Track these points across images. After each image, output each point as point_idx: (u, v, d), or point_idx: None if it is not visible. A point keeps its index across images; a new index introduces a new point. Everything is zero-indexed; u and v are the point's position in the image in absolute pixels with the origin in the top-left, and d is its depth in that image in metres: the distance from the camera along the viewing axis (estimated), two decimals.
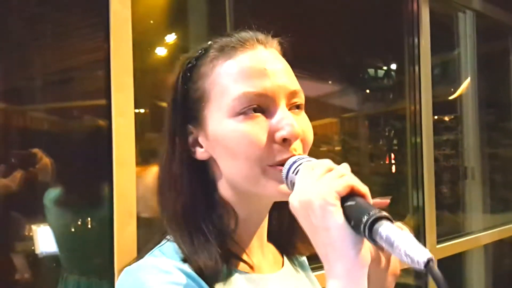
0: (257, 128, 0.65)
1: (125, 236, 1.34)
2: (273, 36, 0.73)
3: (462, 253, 2.65)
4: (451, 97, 2.99)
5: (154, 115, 1.65)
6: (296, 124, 0.65)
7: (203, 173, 0.70)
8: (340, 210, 0.52)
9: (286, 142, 0.65)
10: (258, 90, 0.65)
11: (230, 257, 0.67)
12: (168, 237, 0.69)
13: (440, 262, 2.19)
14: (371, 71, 2.67)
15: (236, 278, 0.67)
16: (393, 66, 2.73)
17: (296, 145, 0.66)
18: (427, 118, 2.28)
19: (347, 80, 2.47)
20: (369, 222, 0.50)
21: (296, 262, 0.82)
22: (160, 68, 1.80)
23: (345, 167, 0.57)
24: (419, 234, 2.15)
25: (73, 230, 1.46)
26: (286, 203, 0.62)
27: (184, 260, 0.64)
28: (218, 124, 0.67)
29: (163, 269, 0.61)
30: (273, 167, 0.65)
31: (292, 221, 0.74)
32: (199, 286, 0.61)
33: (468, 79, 2.94)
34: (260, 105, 0.66)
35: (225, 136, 0.66)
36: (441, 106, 2.70)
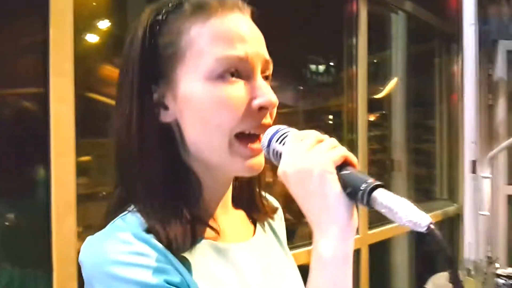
0: (234, 93, 0.63)
1: (64, 227, 1.30)
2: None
3: (389, 238, 2.81)
4: (379, 96, 3.13)
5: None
6: (272, 93, 0.65)
7: (166, 137, 0.66)
8: (336, 178, 0.56)
9: (261, 111, 0.65)
10: (240, 54, 0.63)
11: (196, 225, 0.64)
12: (130, 208, 0.65)
13: (372, 246, 2.32)
14: (310, 68, 2.73)
15: (202, 246, 0.66)
16: (332, 64, 2.81)
17: (268, 115, 0.66)
18: (362, 116, 2.37)
19: (286, 76, 2.51)
20: (367, 189, 0.54)
21: (270, 229, 0.82)
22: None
23: (332, 139, 0.60)
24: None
25: (6, 222, 1.39)
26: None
27: (148, 231, 0.61)
28: (192, 86, 0.63)
29: (125, 240, 0.59)
30: (241, 140, 0.64)
31: (250, 191, 0.78)
32: (164, 256, 0.59)
33: (395, 79, 3.09)
34: (238, 70, 0.64)
35: (199, 99, 0.63)
36: (370, 103, 2.82)
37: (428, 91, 3.54)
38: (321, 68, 2.76)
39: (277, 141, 0.63)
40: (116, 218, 0.65)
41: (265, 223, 0.81)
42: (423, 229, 0.51)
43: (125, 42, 0.68)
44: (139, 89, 0.65)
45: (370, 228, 2.38)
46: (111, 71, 1.61)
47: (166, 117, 0.66)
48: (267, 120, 0.66)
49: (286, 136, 0.63)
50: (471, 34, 3.05)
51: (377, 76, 3.15)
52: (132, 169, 0.65)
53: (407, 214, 0.51)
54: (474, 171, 3.04)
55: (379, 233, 2.45)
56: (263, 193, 0.81)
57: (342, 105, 2.49)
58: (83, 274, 0.61)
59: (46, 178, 1.30)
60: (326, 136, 0.61)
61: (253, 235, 0.76)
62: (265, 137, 0.64)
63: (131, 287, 0.56)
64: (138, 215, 0.63)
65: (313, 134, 0.61)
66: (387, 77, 3.10)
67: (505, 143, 3.10)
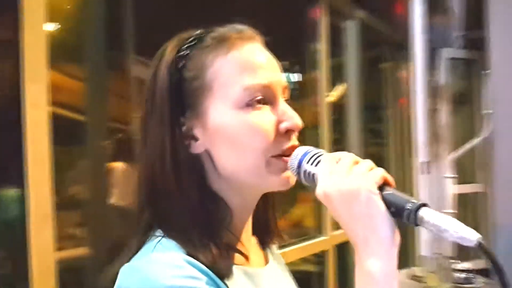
0: (265, 119, 0.67)
1: (41, 240, 1.24)
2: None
3: None
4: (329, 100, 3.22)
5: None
6: (296, 116, 0.69)
7: (196, 168, 0.68)
8: (380, 199, 0.59)
9: (288, 133, 0.69)
10: (264, 82, 0.67)
11: (229, 251, 0.67)
12: (158, 233, 0.66)
13: (336, 246, 2.38)
14: None
15: (235, 272, 0.68)
16: (295, 70, 2.86)
17: (294, 137, 0.70)
18: (324, 119, 2.43)
19: None
20: (413, 209, 0.57)
21: (272, 255, 0.84)
22: None
23: (366, 160, 0.63)
24: (320, 223, 2.30)
25: None
26: (269, 195, 0.73)
27: (189, 255, 0.62)
28: (222, 116, 0.66)
29: (174, 264, 0.60)
30: (276, 158, 0.68)
31: (273, 210, 0.81)
32: (212, 279, 0.61)
33: (344, 84, 3.19)
34: (263, 97, 0.67)
35: (231, 127, 0.66)
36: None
37: (378, 95, 3.68)
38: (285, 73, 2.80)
39: (308, 162, 0.65)
40: (153, 243, 0.65)
41: (270, 249, 0.84)
42: (472, 244, 0.54)
43: (147, 79, 0.71)
44: (170, 122, 0.67)
45: (336, 229, 2.44)
46: (58, 78, 1.54)
47: (195, 148, 0.69)
48: (295, 142, 0.70)
49: (318, 157, 0.65)
50: (420, 42, 3.20)
51: (332, 81, 3.24)
52: (168, 198, 0.67)
53: (456, 231, 0.55)
54: (424, 172, 3.19)
55: (343, 234, 2.51)
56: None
57: (304, 109, 2.54)
58: None
59: (21, 190, 1.24)
60: (359, 158, 0.64)
61: (268, 260, 0.80)
62: (294, 158, 0.67)
63: None
64: (173, 242, 0.64)
65: (348, 156, 0.64)
66: (341, 82, 3.19)
67: (468, 145, 3.27)
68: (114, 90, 2.00)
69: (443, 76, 3.75)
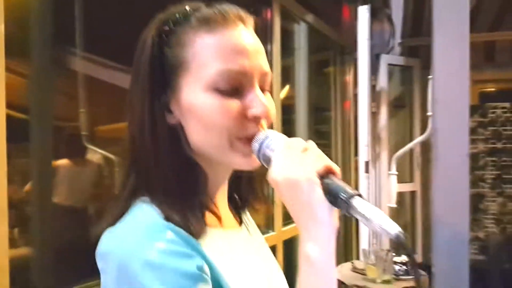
0: (233, 105, 0.69)
1: None
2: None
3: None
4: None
5: None
6: (267, 104, 0.71)
7: (173, 137, 0.71)
8: (320, 187, 0.63)
9: (256, 119, 0.70)
10: (238, 68, 0.68)
11: (204, 212, 0.71)
12: (140, 200, 0.69)
13: (285, 241, 2.46)
14: None
15: (211, 233, 0.71)
16: None
17: (264, 123, 0.72)
18: (276, 120, 2.51)
19: None
20: (346, 199, 0.61)
21: (247, 221, 0.88)
22: None
23: (313, 144, 0.67)
24: (269, 220, 2.37)
25: None
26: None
27: (166, 220, 0.65)
28: (194, 95, 0.69)
29: (154, 229, 0.63)
30: (240, 141, 0.70)
31: (250, 185, 0.84)
32: (187, 242, 0.64)
33: (287, 87, 3.29)
34: (237, 83, 0.69)
35: (200, 107, 0.69)
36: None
37: (324, 98, 3.81)
38: None
39: (266, 146, 0.69)
40: (133, 209, 0.69)
41: (244, 216, 0.88)
42: (392, 236, 0.58)
43: (137, 48, 0.73)
44: (150, 94, 0.70)
45: (284, 225, 2.52)
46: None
47: (171, 119, 0.72)
48: (263, 128, 0.72)
49: (276, 143, 0.68)
50: (364, 48, 3.36)
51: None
52: (147, 165, 0.70)
53: (380, 222, 0.58)
54: (367, 171, 3.36)
55: (293, 229, 2.61)
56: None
57: None
58: (109, 264, 0.63)
59: None
60: (311, 145, 0.67)
61: (241, 224, 0.83)
62: (256, 142, 0.70)
63: (169, 273, 0.60)
64: (153, 206, 0.67)
65: (299, 143, 0.67)
66: (288, 84, 3.29)
67: (410, 144, 3.45)
68: (60, 87, 1.98)
69: (382, 81, 3.96)
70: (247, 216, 0.90)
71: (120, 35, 2.14)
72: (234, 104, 0.69)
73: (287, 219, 2.56)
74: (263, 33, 2.55)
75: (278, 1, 2.58)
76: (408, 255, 0.60)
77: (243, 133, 0.70)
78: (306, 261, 0.63)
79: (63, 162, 2.13)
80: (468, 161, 1.57)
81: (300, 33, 3.20)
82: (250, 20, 0.73)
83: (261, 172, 0.83)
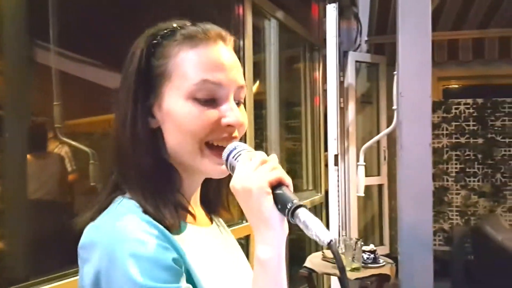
0: (208, 113, 0.76)
1: None
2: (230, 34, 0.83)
3: None
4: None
5: None
6: (240, 115, 0.78)
7: (153, 140, 0.78)
8: (271, 196, 0.70)
9: (228, 128, 0.78)
10: (215, 80, 0.76)
11: (178, 209, 0.78)
12: (121, 195, 0.76)
13: None
14: None
15: (185, 228, 0.78)
16: None
17: (235, 132, 0.79)
18: (249, 114, 2.56)
19: None
20: (292, 208, 0.69)
21: (218, 221, 0.96)
22: None
23: (274, 158, 0.74)
24: (242, 212, 2.43)
25: None
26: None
27: (145, 213, 0.72)
28: (174, 102, 0.76)
29: (134, 221, 0.70)
30: (211, 149, 0.78)
31: (217, 191, 0.92)
32: (164, 235, 0.70)
33: (257, 82, 3.34)
34: (213, 93, 0.76)
35: (178, 114, 0.76)
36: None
37: (294, 93, 3.88)
38: None
39: (233, 157, 0.75)
40: (113, 203, 0.76)
41: (215, 219, 0.96)
42: (325, 244, 0.66)
43: (127, 57, 0.81)
44: (134, 98, 0.78)
45: None
46: None
47: (153, 124, 0.79)
48: (234, 136, 0.79)
49: (240, 153, 0.75)
50: (333, 45, 3.44)
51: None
52: (126, 163, 0.78)
53: (316, 231, 0.65)
54: (336, 163, 3.45)
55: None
56: None
57: None
58: (94, 254, 0.68)
59: None
60: (272, 158, 0.74)
61: (211, 224, 0.91)
62: (225, 152, 0.77)
63: (148, 264, 0.66)
64: (132, 201, 0.74)
65: (259, 156, 0.73)
66: (260, 80, 3.34)
67: (376, 137, 3.55)
68: (34, 81, 1.99)
69: (350, 77, 4.06)
70: (220, 221, 0.97)
71: (94, 30, 2.16)
72: (209, 112, 0.76)
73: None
74: (236, 29, 2.60)
75: None
76: (337, 261, 0.65)
77: (214, 138, 0.77)
78: (258, 262, 0.71)
79: (34, 155, 2.14)
80: (430, 151, 1.67)
81: (271, 29, 3.26)
82: (230, 39, 0.81)
83: (228, 181, 0.91)
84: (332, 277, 3.28)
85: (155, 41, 0.78)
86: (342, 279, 0.68)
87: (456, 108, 5.05)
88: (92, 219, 0.74)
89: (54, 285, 1.45)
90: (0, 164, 1.73)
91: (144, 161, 0.76)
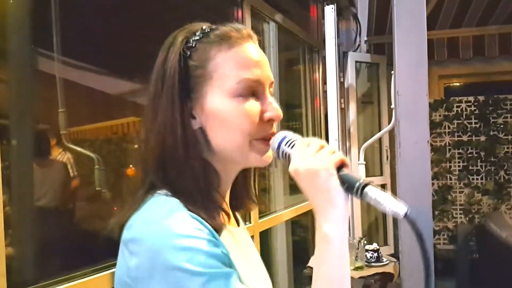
0: (252, 108, 0.80)
1: None
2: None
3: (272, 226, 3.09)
4: None
5: None
6: (279, 108, 0.83)
7: (196, 140, 0.81)
8: (336, 177, 0.75)
9: (270, 121, 0.82)
10: (255, 77, 0.80)
11: (219, 210, 0.80)
12: (162, 192, 0.78)
13: (260, 233, 2.56)
14: None
15: (223, 229, 0.80)
16: None
17: (274, 125, 0.84)
18: None
19: None
20: (361, 186, 0.73)
21: (241, 222, 0.98)
22: None
23: (327, 144, 0.79)
24: (247, 213, 2.46)
25: None
26: (247, 170, 0.88)
27: (190, 212, 0.74)
28: (219, 101, 0.79)
29: (183, 217, 0.72)
30: (257, 141, 0.81)
31: (244, 184, 0.95)
32: (210, 231, 0.73)
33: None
34: (253, 90, 0.80)
35: (223, 112, 0.79)
36: None
37: (295, 95, 3.91)
38: None
39: (285, 144, 0.80)
40: (157, 198, 0.77)
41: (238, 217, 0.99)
42: (401, 217, 0.69)
43: (157, 62, 0.83)
44: (180, 101, 0.80)
45: (260, 217, 2.61)
46: None
47: (194, 125, 0.81)
48: (275, 129, 0.84)
49: (294, 141, 0.80)
50: (331, 46, 3.47)
51: None
52: (173, 166, 0.79)
53: (390, 205, 0.69)
54: None
55: (266, 221, 2.71)
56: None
57: None
58: (139, 249, 0.71)
59: None
60: (326, 143, 0.79)
61: (239, 223, 0.93)
62: (274, 141, 0.81)
63: (198, 255, 0.68)
64: (176, 199, 0.76)
65: (317, 141, 0.78)
66: None
67: (375, 136, 3.56)
68: (39, 90, 2.02)
69: (350, 77, 4.09)
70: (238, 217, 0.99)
71: (97, 38, 2.19)
72: (253, 108, 0.80)
73: (261, 213, 2.65)
74: None
75: (247, 2, 2.66)
76: (417, 233, 0.69)
77: (260, 134, 0.81)
78: (325, 239, 0.74)
79: (40, 161, 2.18)
80: (429, 148, 1.69)
81: (270, 32, 3.29)
82: (255, 37, 0.86)
83: (253, 174, 0.95)
84: None
85: (189, 44, 0.81)
86: (423, 249, 0.70)
87: (457, 106, 5.07)
88: (129, 216, 0.76)
89: (62, 287, 1.48)
90: (7, 170, 1.76)
91: (193, 162, 0.79)
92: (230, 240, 0.82)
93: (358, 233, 3.76)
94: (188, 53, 0.81)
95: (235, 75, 0.79)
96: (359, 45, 4.41)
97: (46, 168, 2.32)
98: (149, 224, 0.73)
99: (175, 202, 0.76)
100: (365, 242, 2.68)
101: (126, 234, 0.74)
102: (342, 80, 4.06)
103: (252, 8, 2.77)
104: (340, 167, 0.75)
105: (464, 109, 5.06)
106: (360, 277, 2.61)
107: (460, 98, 5.09)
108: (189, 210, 0.74)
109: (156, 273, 0.68)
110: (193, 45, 0.81)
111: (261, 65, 0.82)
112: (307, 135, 3.99)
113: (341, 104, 4.05)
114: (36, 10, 1.85)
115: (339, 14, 3.95)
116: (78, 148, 2.22)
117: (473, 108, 5.04)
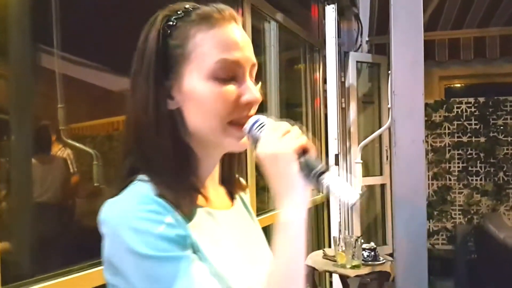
0: (229, 91, 0.78)
1: None
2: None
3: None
4: None
5: None
6: (257, 92, 0.81)
7: (171, 121, 0.79)
8: (296, 162, 0.75)
9: (248, 105, 0.80)
10: (233, 59, 0.78)
11: (194, 192, 0.80)
12: (138, 177, 0.78)
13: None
14: None
15: (198, 211, 0.80)
16: None
17: (253, 108, 0.82)
18: None
19: None
20: (317, 174, 0.74)
21: (242, 202, 0.97)
22: None
23: (297, 128, 0.78)
24: None
25: None
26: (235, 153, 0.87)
27: (158, 196, 0.74)
28: (196, 83, 0.78)
29: (142, 201, 0.73)
30: (233, 125, 0.80)
31: (229, 165, 0.94)
32: (173, 215, 0.73)
33: (259, 84, 3.36)
34: (232, 72, 0.79)
35: (200, 93, 0.77)
36: None
37: (295, 94, 3.92)
38: None
39: (256, 128, 0.78)
40: (129, 185, 0.78)
41: (238, 197, 0.98)
42: (351, 203, 0.73)
43: (139, 40, 0.82)
44: (155, 80, 0.78)
45: (258, 215, 2.63)
46: None
47: (171, 105, 0.80)
48: (252, 112, 0.81)
49: (264, 125, 0.78)
50: (332, 45, 3.48)
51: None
52: (147, 146, 0.79)
53: (342, 194, 0.71)
54: (337, 163, 3.48)
55: (264, 219, 2.72)
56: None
57: None
58: (105, 230, 0.73)
59: None
60: (294, 127, 0.78)
61: (232, 206, 0.92)
62: (247, 125, 0.79)
63: (150, 237, 0.70)
64: (148, 184, 0.76)
65: (284, 125, 0.77)
66: (261, 82, 3.37)
67: (372, 135, 3.57)
68: (39, 86, 2.04)
69: (351, 77, 4.10)
70: (243, 199, 0.98)
71: (97, 34, 2.21)
72: (230, 91, 0.78)
73: (258, 211, 2.67)
74: None
75: (248, 1, 2.67)
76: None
77: (236, 117, 0.79)
78: (282, 223, 0.75)
79: (39, 157, 2.19)
80: (423, 148, 1.70)
81: (271, 31, 3.30)
82: (239, 19, 0.84)
83: (238, 156, 0.94)
84: (333, 275, 3.31)
85: (170, 22, 0.79)
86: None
87: (458, 107, 5.07)
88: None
89: (58, 281, 1.50)
90: (6, 166, 1.78)
91: (167, 143, 0.78)
92: (210, 222, 0.81)
93: (357, 233, 3.77)
94: (168, 31, 0.79)
95: (213, 55, 0.77)
96: (360, 45, 4.42)
97: (47, 164, 2.33)
98: (111, 206, 0.75)
99: (143, 186, 0.76)
100: (362, 241, 2.69)
101: (98, 217, 0.76)
102: (343, 79, 4.06)
103: (253, 7, 2.78)
104: (304, 152, 0.75)
105: (464, 110, 5.07)
106: (357, 276, 2.62)
107: (460, 99, 5.09)
108: (158, 193, 0.74)
109: (119, 253, 0.71)
110: (174, 23, 0.79)
111: (242, 47, 0.80)
112: (307, 135, 3.99)
113: (342, 103, 4.05)
114: (37, 6, 1.87)
115: (341, 14, 3.96)
116: (77, 144, 2.24)
117: (473, 109, 5.05)
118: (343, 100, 4.06)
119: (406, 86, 1.71)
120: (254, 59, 0.83)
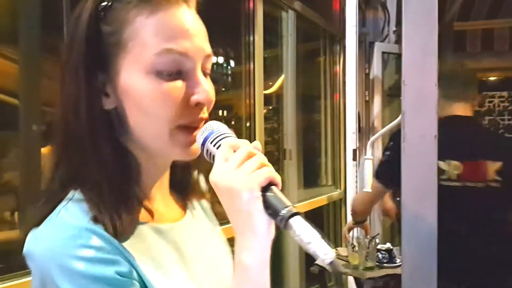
0: (174, 90, 0.65)
1: None
2: None
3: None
4: (269, 91, 3.31)
5: None
6: (210, 90, 0.68)
7: (108, 123, 0.67)
8: (261, 199, 0.61)
9: (198, 106, 0.68)
10: (180, 49, 0.65)
11: (136, 208, 0.68)
12: (70, 195, 0.66)
13: None
14: None
15: (143, 229, 0.69)
16: (228, 60, 2.90)
17: (205, 109, 0.69)
18: (259, 109, 2.50)
19: None
20: (286, 216, 0.60)
21: (202, 208, 0.86)
22: None
23: (259, 147, 0.65)
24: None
25: None
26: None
27: (93, 220, 0.63)
28: (134, 78, 0.65)
29: (74, 233, 0.61)
30: (180, 130, 0.67)
31: (185, 171, 0.81)
32: (111, 245, 0.62)
33: (283, 76, 3.27)
34: (178, 65, 0.66)
35: (139, 91, 0.65)
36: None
37: (314, 87, 3.80)
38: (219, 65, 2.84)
39: (211, 142, 0.66)
40: (59, 207, 0.65)
41: (196, 204, 0.86)
42: (324, 262, 0.58)
43: (70, 21, 0.69)
44: (85, 75, 0.65)
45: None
46: None
47: (107, 104, 0.67)
48: (205, 114, 0.69)
49: (220, 140, 0.66)
50: (353, 35, 3.33)
51: (268, 72, 3.32)
52: (79, 154, 0.66)
53: (315, 247, 0.57)
54: (355, 158, 3.34)
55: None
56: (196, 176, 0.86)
57: (233, 100, 2.59)
58: (32, 266, 0.63)
59: None
60: (256, 145, 0.65)
61: (185, 215, 0.80)
62: (200, 135, 0.67)
63: (83, 279, 0.59)
64: (80, 204, 0.65)
65: (244, 148, 0.63)
66: (277, 73, 3.27)
67: (382, 130, 3.43)
68: (49, 72, 1.99)
69: (376, 69, 3.93)
70: (202, 205, 0.87)
71: None
72: (176, 88, 0.66)
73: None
74: (246, 23, 2.54)
75: None
76: (336, 280, 0.58)
77: (184, 121, 0.67)
78: (241, 268, 0.63)
79: (49, 149, 2.16)
80: (436, 144, 1.56)
81: (288, 20, 3.18)
82: (193, 1, 0.70)
83: (197, 162, 0.78)
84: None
85: (104, 3, 0.66)
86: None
87: (489, 102, 4.84)
88: (37, 224, 0.65)
89: None
90: (17, 155, 1.75)
91: (103, 149, 0.65)
92: (155, 242, 0.70)
93: (378, 231, 3.62)
94: (102, 14, 0.66)
95: (155, 45, 0.64)
96: (387, 35, 4.23)
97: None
98: (39, 239, 0.63)
99: (74, 210, 0.64)
100: (377, 241, 2.55)
101: (24, 247, 0.65)
102: (367, 71, 3.91)
103: None
104: (269, 185, 0.62)
105: (496, 104, 4.83)
106: (369, 278, 2.49)
107: (493, 93, 4.86)
108: (93, 217, 0.63)
109: None
110: (109, 4, 0.66)
111: (191, 35, 0.66)
112: (326, 128, 3.87)
113: (366, 96, 3.90)
114: None
115: (366, 2, 3.80)
116: None
117: (506, 104, 4.81)
118: (367, 92, 3.91)
119: (417, 76, 1.58)
120: (208, 49, 0.69)
